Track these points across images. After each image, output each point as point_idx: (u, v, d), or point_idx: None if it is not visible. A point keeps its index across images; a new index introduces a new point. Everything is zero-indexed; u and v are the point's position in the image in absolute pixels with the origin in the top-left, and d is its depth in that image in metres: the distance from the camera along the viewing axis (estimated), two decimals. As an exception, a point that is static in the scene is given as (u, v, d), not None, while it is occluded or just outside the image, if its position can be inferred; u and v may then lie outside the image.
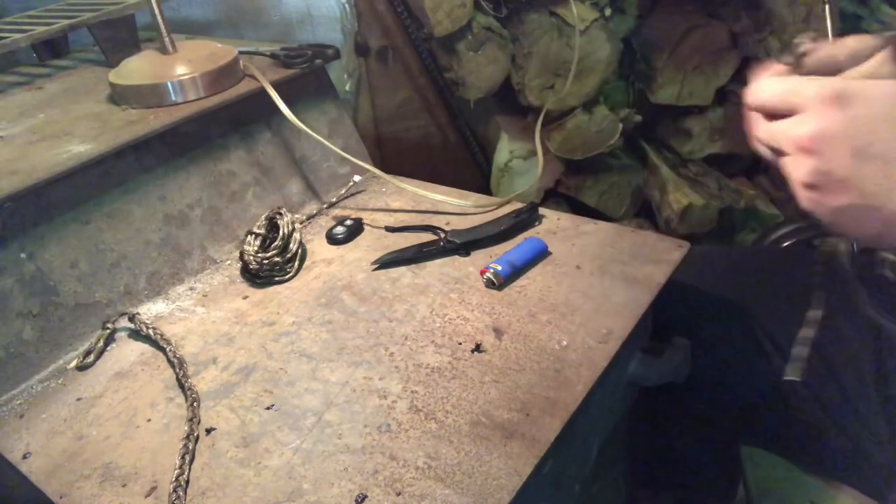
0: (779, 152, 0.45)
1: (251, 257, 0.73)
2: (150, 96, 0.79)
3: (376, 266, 0.75)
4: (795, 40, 0.50)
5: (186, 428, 0.55)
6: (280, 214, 0.76)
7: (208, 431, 0.56)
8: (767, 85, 0.45)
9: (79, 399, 0.61)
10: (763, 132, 0.46)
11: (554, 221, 0.80)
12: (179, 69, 0.80)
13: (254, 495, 0.50)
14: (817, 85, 0.42)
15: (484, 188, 1.46)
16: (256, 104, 0.83)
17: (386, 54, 1.29)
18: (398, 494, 0.49)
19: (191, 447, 0.54)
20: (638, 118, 1.50)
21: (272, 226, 0.76)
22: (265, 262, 0.73)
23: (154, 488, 0.52)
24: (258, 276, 0.74)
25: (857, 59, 0.50)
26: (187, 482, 0.51)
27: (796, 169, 0.43)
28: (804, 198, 0.44)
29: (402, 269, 0.74)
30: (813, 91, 0.42)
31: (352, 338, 0.65)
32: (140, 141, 0.73)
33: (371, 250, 0.78)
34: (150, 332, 0.66)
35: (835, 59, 0.48)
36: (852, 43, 0.49)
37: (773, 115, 0.45)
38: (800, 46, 0.50)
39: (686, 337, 0.71)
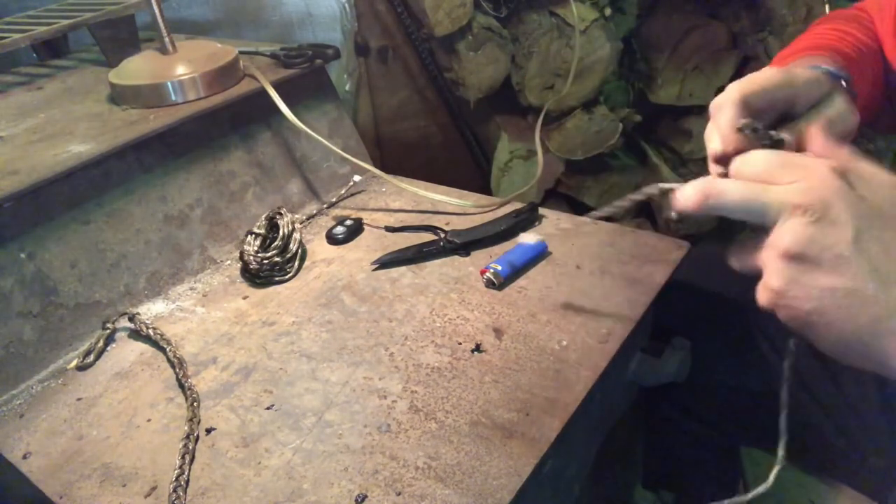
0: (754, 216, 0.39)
1: (251, 257, 0.73)
2: (150, 96, 0.79)
3: (376, 266, 0.75)
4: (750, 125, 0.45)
5: (186, 428, 0.55)
6: (280, 214, 0.76)
7: (208, 431, 0.56)
8: (761, 155, 0.39)
9: (79, 399, 0.61)
10: (740, 191, 0.39)
11: (554, 221, 0.80)
12: (179, 69, 0.80)
13: (254, 495, 0.50)
14: (823, 159, 0.38)
15: (484, 188, 1.46)
16: (256, 104, 0.83)
17: (386, 54, 1.29)
18: (398, 494, 0.49)
19: (191, 447, 0.54)
20: (638, 118, 1.50)
21: (272, 226, 0.76)
22: (265, 262, 0.73)
23: (154, 488, 0.52)
24: (258, 276, 0.74)
25: (809, 98, 0.47)
26: (187, 482, 0.51)
27: (784, 235, 0.37)
28: (782, 272, 0.37)
29: (402, 269, 0.74)
30: (818, 162, 0.37)
31: (352, 338, 0.65)
32: (140, 141, 0.73)
33: (371, 250, 0.78)
34: (150, 332, 0.66)
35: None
36: (802, 78, 0.46)
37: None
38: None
39: (686, 337, 0.71)
